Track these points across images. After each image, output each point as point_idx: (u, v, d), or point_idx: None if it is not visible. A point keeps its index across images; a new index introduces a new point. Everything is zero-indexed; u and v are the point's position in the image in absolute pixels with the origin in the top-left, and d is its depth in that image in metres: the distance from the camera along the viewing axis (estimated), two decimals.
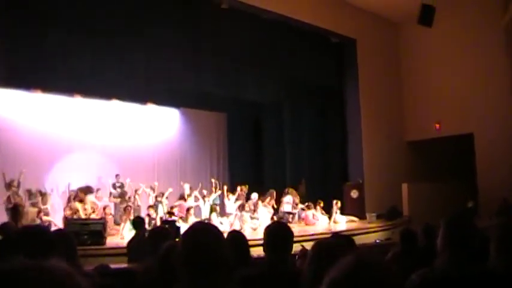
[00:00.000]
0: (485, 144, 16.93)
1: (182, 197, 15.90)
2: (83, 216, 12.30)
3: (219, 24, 15.23)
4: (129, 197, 15.39)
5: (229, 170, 21.33)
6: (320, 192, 17.64)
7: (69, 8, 12.69)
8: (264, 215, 15.39)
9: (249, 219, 14.65)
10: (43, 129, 16.75)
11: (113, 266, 5.79)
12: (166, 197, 15.50)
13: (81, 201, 13.50)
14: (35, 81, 15.25)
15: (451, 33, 17.95)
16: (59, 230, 3.27)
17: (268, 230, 3.34)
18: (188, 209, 13.89)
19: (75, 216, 12.38)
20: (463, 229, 2.66)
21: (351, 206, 17.62)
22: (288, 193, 16.78)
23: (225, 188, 16.73)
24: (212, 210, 15.41)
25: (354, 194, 17.86)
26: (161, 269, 3.08)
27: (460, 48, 17.82)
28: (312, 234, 12.54)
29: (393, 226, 14.95)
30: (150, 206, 14.14)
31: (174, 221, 9.58)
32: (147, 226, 9.50)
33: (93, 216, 12.57)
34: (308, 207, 16.45)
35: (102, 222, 10.78)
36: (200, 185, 17.37)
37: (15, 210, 11.89)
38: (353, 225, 15.28)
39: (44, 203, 13.10)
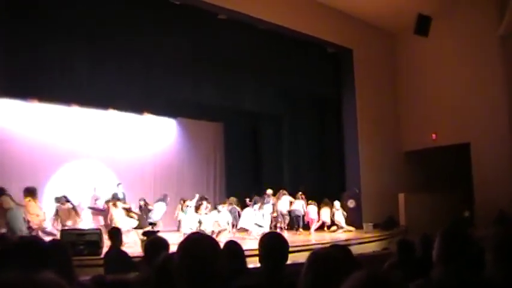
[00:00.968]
0: (482, 153, 16.92)
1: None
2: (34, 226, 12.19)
3: (216, 35, 15.27)
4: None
5: (226, 180, 21.34)
6: (317, 202, 17.62)
7: (67, 18, 12.71)
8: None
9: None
10: (39, 139, 16.76)
11: (109, 276, 5.78)
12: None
13: None
14: (32, 91, 15.25)
15: (447, 43, 18.00)
16: (54, 240, 3.25)
17: (264, 241, 3.32)
18: None
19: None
20: (459, 240, 2.67)
21: (348, 215, 17.61)
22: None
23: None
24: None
25: (351, 203, 17.87)
26: (158, 279, 3.07)
27: (457, 58, 17.86)
28: (309, 245, 12.52)
29: (390, 236, 14.94)
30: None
31: (155, 232, 9.44)
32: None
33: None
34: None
35: (98, 233, 10.73)
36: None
37: None
38: (350, 235, 15.25)
39: None
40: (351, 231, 16.82)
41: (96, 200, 15.89)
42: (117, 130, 18.67)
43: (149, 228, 12.98)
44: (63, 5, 12.50)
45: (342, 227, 16.85)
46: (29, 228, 11.71)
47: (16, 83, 14.00)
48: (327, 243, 11.15)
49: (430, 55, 18.63)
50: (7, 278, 0.94)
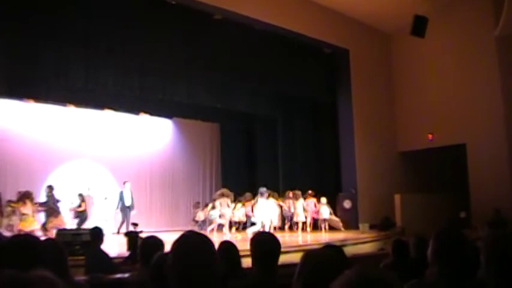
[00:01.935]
0: (478, 154, 16.95)
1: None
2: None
3: (212, 35, 15.24)
4: None
5: (222, 180, 21.35)
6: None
7: (64, 19, 12.67)
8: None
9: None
10: (36, 139, 16.77)
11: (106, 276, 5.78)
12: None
13: None
14: (28, 91, 15.28)
15: (444, 44, 18.03)
16: (49, 239, 3.24)
17: (255, 241, 3.31)
18: None
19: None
20: (453, 241, 2.67)
21: (344, 216, 17.64)
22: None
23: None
24: None
25: (347, 204, 17.88)
26: (153, 279, 3.07)
27: (453, 59, 17.89)
28: (301, 245, 12.52)
29: (386, 237, 14.94)
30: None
31: (137, 232, 9.34)
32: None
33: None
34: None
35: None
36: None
37: None
38: (347, 236, 15.25)
39: None
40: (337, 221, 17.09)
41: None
42: (113, 130, 18.69)
43: (131, 228, 12.88)
44: (59, 6, 12.46)
45: (329, 220, 16.84)
46: None
47: (12, 83, 14.00)
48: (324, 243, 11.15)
49: (426, 56, 18.66)
50: (1, 276, 0.94)
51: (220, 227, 15.45)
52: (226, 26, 15.34)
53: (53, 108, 17.12)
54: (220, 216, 15.10)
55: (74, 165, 17.55)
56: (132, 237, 8.79)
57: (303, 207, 16.52)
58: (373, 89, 19.26)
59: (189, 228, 13.18)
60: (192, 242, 2.08)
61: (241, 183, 20.41)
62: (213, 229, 15.07)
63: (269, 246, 3.23)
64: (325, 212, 16.70)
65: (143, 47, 14.18)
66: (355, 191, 18.08)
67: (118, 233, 15.19)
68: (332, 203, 17.58)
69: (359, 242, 13.75)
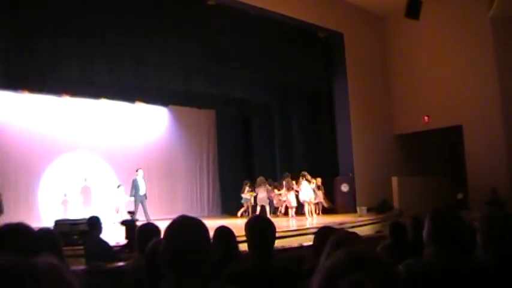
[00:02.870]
0: (474, 135, 16.98)
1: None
2: None
3: (207, 22, 15.18)
4: None
5: (219, 166, 21.39)
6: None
7: (58, 8, 12.60)
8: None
9: None
10: (32, 131, 16.75)
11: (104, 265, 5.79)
12: None
13: None
14: (23, 82, 15.21)
15: (438, 26, 17.99)
16: (44, 228, 3.21)
17: (249, 225, 3.30)
18: None
19: None
20: (448, 221, 2.66)
21: (342, 199, 17.71)
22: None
23: None
24: None
25: (345, 187, 17.91)
26: (148, 266, 3.06)
27: (448, 41, 17.85)
28: (299, 229, 12.57)
29: (384, 219, 14.97)
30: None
31: (133, 221, 9.32)
32: None
33: None
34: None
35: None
36: None
37: None
38: (345, 219, 15.26)
39: None
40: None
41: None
42: (109, 120, 18.69)
43: (128, 217, 12.87)
44: None
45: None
46: None
47: (8, 74, 13.92)
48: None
49: (421, 38, 18.61)
50: (3, 262, 0.91)
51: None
52: (220, 12, 15.28)
53: (48, 99, 17.06)
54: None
55: (71, 156, 17.53)
56: (129, 225, 8.80)
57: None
58: (368, 72, 19.22)
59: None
60: (183, 226, 2.05)
61: (238, 169, 20.46)
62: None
63: (264, 231, 3.21)
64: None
65: (137, 35, 14.11)
66: (352, 174, 18.10)
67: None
68: (329, 187, 17.64)
69: (357, 225, 13.78)
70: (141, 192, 15.40)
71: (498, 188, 14.54)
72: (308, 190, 16.33)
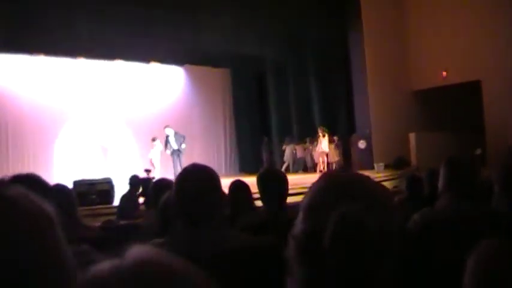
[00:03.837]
0: (493, 91, 16.71)
1: None
2: None
3: None
4: None
5: (236, 125, 21.42)
6: None
7: None
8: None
9: None
10: (45, 94, 16.79)
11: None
12: None
13: None
14: (37, 44, 15.22)
15: None
16: (59, 183, 3.21)
17: (262, 178, 3.26)
18: None
19: None
20: (464, 167, 2.62)
21: (359, 156, 17.66)
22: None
23: None
24: None
25: (362, 144, 17.84)
26: (161, 221, 3.05)
27: None
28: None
29: (401, 175, 14.92)
30: None
31: (149, 179, 9.39)
32: None
33: None
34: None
35: (109, 182, 10.80)
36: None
37: None
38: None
39: None
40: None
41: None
42: (124, 81, 18.70)
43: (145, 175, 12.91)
44: None
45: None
46: None
47: (19, 37, 13.91)
48: None
49: None
50: None
51: None
52: None
53: (62, 61, 17.07)
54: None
55: (87, 119, 17.60)
56: (145, 183, 8.92)
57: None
58: (385, 26, 18.85)
59: None
60: (192, 172, 2.00)
61: (254, 128, 20.45)
62: None
63: (274, 181, 3.18)
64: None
65: None
66: (369, 131, 17.98)
67: None
68: (346, 144, 17.61)
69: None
70: (174, 146, 15.57)
71: None
72: (326, 144, 16.83)
